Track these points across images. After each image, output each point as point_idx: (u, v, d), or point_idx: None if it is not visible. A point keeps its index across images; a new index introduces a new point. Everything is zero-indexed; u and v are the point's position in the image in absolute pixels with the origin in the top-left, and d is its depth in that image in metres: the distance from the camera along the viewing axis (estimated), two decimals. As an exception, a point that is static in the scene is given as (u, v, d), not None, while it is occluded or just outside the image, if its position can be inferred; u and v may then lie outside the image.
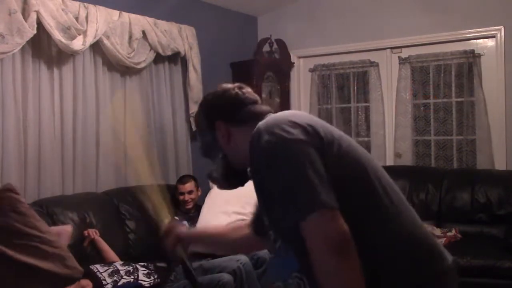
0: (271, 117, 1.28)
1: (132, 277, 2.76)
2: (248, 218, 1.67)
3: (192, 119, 4.13)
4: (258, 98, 1.49)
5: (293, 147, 1.17)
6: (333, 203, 1.11)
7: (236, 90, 1.49)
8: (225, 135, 1.40)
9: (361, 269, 1.09)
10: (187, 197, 3.56)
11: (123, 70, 3.59)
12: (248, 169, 1.33)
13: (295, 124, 1.20)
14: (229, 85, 1.53)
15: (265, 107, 1.44)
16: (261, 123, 1.25)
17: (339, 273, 1.08)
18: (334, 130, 1.27)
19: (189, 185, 3.60)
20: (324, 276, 1.09)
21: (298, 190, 1.12)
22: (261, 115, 1.37)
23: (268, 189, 1.21)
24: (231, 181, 1.47)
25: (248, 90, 1.50)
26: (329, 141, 1.20)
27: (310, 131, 1.19)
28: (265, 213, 1.32)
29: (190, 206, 3.57)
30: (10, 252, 2.33)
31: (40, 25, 2.91)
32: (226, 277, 2.78)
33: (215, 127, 1.42)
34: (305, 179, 1.12)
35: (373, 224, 1.20)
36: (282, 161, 1.16)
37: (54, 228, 2.73)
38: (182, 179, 3.64)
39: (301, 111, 1.45)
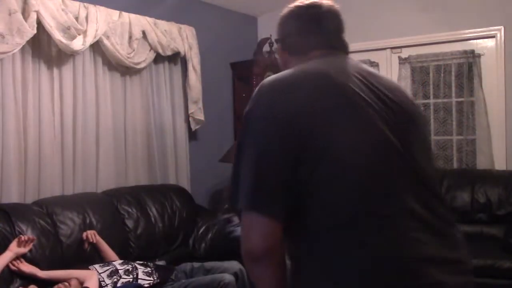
0: (272, 80, 1.10)
1: (131, 276, 2.75)
2: None
3: (191, 119, 4.13)
4: (330, 20, 1.25)
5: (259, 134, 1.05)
6: (271, 209, 1.00)
7: (303, 9, 1.25)
8: (281, 61, 1.28)
9: (278, 279, 1.04)
10: None
11: (123, 70, 3.59)
12: None
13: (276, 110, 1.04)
14: (304, 2, 1.27)
15: (315, 44, 1.20)
16: (263, 82, 1.10)
17: (253, 275, 1.07)
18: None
19: None
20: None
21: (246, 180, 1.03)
22: (309, 52, 1.18)
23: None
24: None
25: (316, 8, 1.24)
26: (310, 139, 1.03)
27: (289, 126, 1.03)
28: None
29: None
30: None
31: (40, 25, 2.91)
32: (228, 277, 2.77)
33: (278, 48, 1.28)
34: (254, 173, 1.02)
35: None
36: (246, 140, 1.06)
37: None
38: None
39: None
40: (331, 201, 1.02)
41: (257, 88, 1.12)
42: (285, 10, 1.28)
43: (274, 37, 5.06)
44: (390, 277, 1.00)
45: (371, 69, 1.22)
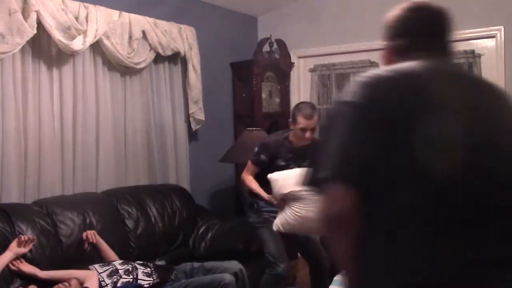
0: (370, 74, 1.19)
1: (131, 276, 2.75)
2: None
3: (191, 119, 4.13)
4: (434, 25, 1.28)
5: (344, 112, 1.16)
6: (356, 182, 1.10)
7: (411, 13, 1.30)
8: (385, 59, 1.34)
9: (353, 245, 1.12)
10: (309, 134, 3.04)
11: (123, 70, 3.59)
12: None
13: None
14: (414, 4, 1.31)
15: (423, 46, 1.25)
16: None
17: (333, 241, 1.16)
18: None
19: (315, 120, 3.04)
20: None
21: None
22: (412, 53, 1.23)
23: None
24: None
25: (429, 14, 1.29)
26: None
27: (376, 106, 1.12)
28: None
29: (305, 144, 3.09)
30: None
31: (40, 25, 2.91)
32: (228, 277, 2.77)
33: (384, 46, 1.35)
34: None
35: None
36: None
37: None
38: (306, 111, 3.03)
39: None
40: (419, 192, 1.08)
41: (356, 80, 1.20)
42: (395, 10, 1.33)
43: (274, 37, 5.08)
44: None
45: (471, 74, 1.27)
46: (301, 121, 3.03)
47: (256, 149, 3.25)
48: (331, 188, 1.12)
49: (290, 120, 3.16)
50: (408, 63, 1.20)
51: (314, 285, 3.42)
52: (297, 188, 2.96)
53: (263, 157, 3.20)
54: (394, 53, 1.30)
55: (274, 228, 3.02)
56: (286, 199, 2.99)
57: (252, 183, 3.24)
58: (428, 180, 1.07)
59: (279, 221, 3.01)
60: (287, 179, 2.99)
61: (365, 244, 1.13)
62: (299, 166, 3.11)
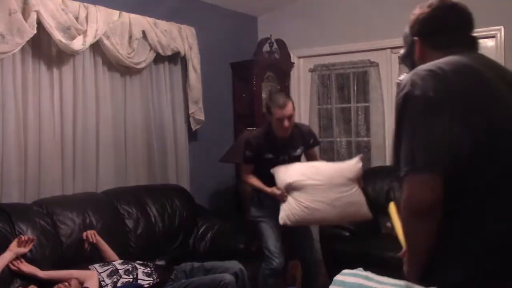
0: (427, 68, 1.29)
1: (131, 276, 2.75)
2: None
3: (191, 119, 4.14)
4: (465, 22, 1.45)
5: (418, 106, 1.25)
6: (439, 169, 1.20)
7: (444, 11, 1.44)
8: (418, 53, 1.44)
9: (433, 234, 1.23)
10: (287, 123, 3.06)
11: (123, 70, 3.59)
12: None
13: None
14: (443, 2, 1.46)
15: (458, 41, 1.40)
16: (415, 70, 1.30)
17: (412, 229, 1.28)
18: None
19: (290, 107, 3.07)
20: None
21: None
22: (450, 48, 1.37)
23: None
24: None
25: (460, 11, 1.46)
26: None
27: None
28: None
29: (286, 134, 3.15)
30: None
31: (40, 25, 2.91)
32: (228, 277, 2.77)
33: (414, 42, 1.45)
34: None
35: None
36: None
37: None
38: (279, 101, 3.06)
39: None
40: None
41: (411, 75, 1.30)
42: (425, 9, 1.45)
43: (274, 37, 5.07)
44: None
45: (497, 62, 1.47)
46: (276, 112, 3.07)
47: (244, 149, 3.33)
48: (421, 177, 1.20)
49: (266, 113, 3.25)
50: (457, 57, 1.32)
51: (303, 284, 3.45)
52: (301, 178, 2.99)
53: (248, 153, 3.26)
54: (430, 48, 1.41)
55: (281, 222, 3.05)
56: (290, 190, 3.01)
57: (253, 180, 3.28)
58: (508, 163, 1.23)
59: (285, 214, 3.02)
60: (290, 170, 3.06)
61: (448, 231, 1.24)
62: (289, 156, 3.17)
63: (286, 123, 3.07)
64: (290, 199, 3.04)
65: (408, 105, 1.27)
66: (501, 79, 1.33)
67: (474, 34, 1.45)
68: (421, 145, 1.20)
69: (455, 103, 1.23)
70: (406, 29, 1.52)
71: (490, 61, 1.43)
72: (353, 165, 3.16)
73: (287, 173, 3.07)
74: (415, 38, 1.45)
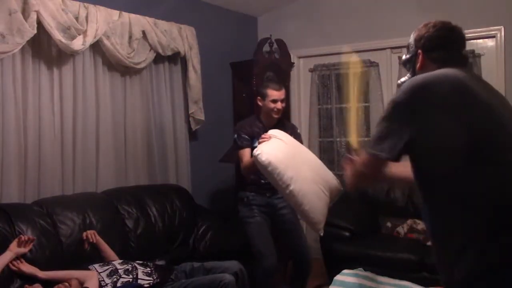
0: (420, 78, 1.58)
1: (131, 276, 2.75)
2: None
3: (191, 119, 4.13)
4: (460, 42, 1.73)
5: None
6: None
7: (445, 32, 1.72)
8: (420, 64, 1.74)
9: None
10: (279, 105, 3.30)
11: (123, 70, 3.59)
12: None
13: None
14: (444, 25, 1.74)
15: (453, 58, 1.68)
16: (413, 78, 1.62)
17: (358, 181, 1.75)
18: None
19: (284, 92, 3.35)
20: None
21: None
22: (445, 63, 1.65)
23: None
24: None
25: (458, 33, 1.73)
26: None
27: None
28: None
29: (278, 115, 3.34)
30: None
31: (40, 25, 2.91)
32: (228, 277, 2.77)
33: (417, 53, 1.75)
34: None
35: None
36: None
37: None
38: (274, 85, 3.36)
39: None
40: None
41: (409, 82, 1.58)
42: (431, 28, 1.74)
43: (274, 37, 5.07)
44: None
45: (481, 77, 1.82)
46: (272, 93, 3.29)
47: (235, 136, 3.35)
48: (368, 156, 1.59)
49: (259, 98, 3.37)
50: (447, 70, 1.59)
51: (292, 283, 3.45)
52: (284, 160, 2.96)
53: (244, 136, 3.30)
54: (430, 61, 1.70)
55: (263, 158, 2.89)
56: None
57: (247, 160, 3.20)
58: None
59: (265, 151, 2.92)
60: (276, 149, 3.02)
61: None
62: None
63: (279, 105, 3.29)
64: (274, 140, 3.03)
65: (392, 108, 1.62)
66: (483, 88, 1.59)
67: (465, 53, 1.76)
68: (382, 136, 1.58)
69: (445, 102, 1.50)
70: (411, 40, 1.79)
71: (475, 75, 1.75)
72: (335, 180, 3.14)
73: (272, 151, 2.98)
74: (419, 51, 1.73)
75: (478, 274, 1.41)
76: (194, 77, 4.07)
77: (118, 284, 2.68)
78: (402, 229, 3.90)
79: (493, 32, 4.06)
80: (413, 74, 1.78)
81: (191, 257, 3.40)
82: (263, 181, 3.24)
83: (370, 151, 1.58)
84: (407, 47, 1.84)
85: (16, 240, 2.60)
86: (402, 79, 1.84)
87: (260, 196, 3.33)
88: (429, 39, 1.72)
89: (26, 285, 2.50)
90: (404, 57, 1.85)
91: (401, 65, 1.95)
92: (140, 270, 2.81)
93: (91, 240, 2.94)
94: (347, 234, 3.80)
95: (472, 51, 4.11)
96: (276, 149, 2.98)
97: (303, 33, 4.86)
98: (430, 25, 1.74)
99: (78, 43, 3.09)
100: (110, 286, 2.65)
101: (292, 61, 4.96)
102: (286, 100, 3.39)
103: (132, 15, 3.54)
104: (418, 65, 1.74)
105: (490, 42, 4.11)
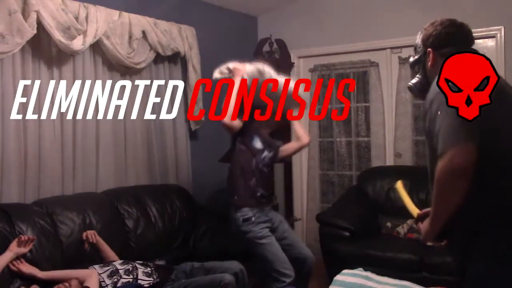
0: None
1: (132, 276, 2.75)
2: None
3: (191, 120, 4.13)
4: (468, 38, 1.80)
5: None
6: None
7: (454, 29, 1.77)
8: (431, 62, 1.76)
9: (465, 193, 1.49)
10: None
11: (123, 70, 3.59)
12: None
13: None
14: (452, 22, 1.79)
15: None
16: None
17: (449, 189, 1.53)
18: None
19: None
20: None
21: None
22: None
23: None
24: (423, 94, 1.75)
25: (466, 29, 1.80)
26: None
27: None
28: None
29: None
30: None
31: (40, 25, 2.91)
32: (228, 277, 2.77)
33: (427, 52, 1.77)
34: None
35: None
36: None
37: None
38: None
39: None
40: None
41: None
42: (438, 26, 1.77)
43: (274, 37, 5.06)
44: None
45: None
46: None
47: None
48: (457, 146, 1.47)
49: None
50: None
51: (294, 284, 3.43)
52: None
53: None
54: (442, 58, 1.67)
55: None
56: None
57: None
58: None
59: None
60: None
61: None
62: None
63: None
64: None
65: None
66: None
67: (473, 48, 1.78)
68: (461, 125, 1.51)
69: None
70: (418, 41, 1.82)
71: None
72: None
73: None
74: (429, 49, 1.76)
75: (492, 260, 1.50)
76: (194, 77, 4.07)
77: (119, 284, 2.68)
78: (402, 229, 3.90)
79: (493, 32, 4.06)
80: (424, 74, 1.79)
81: (191, 257, 3.39)
82: (259, 194, 3.16)
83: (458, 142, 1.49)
84: (414, 48, 1.85)
85: (16, 240, 2.60)
86: (413, 81, 1.85)
87: (260, 213, 3.15)
88: (438, 37, 1.76)
89: (22, 287, 2.50)
90: (411, 59, 1.86)
91: (410, 67, 1.94)
92: (141, 270, 2.81)
93: (91, 240, 2.94)
94: (347, 234, 3.79)
95: (472, 51, 4.11)
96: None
97: (303, 33, 4.87)
98: (437, 23, 1.78)
99: (78, 43, 3.09)
100: (110, 287, 2.65)
101: (292, 61, 4.96)
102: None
103: (132, 15, 3.54)
104: (429, 63, 1.77)
105: (490, 42, 4.11)
